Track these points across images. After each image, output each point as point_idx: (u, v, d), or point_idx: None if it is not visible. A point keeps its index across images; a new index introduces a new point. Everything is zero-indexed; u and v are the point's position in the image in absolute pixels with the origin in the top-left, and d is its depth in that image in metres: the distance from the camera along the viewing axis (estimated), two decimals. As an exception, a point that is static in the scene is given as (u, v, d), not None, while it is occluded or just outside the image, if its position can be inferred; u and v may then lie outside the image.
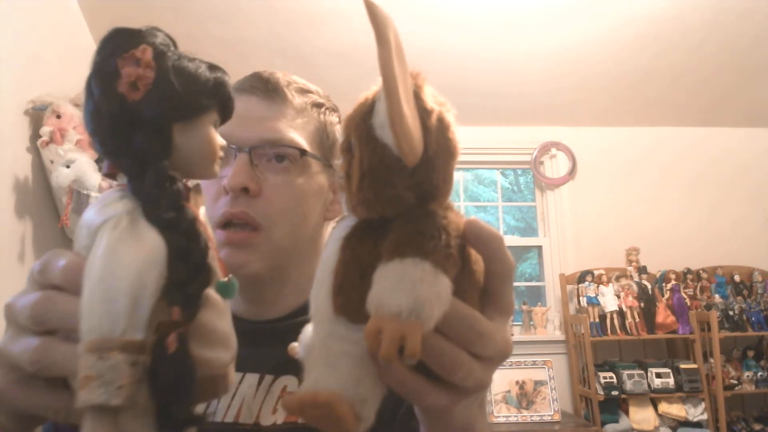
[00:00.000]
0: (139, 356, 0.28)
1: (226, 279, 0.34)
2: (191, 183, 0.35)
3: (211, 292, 0.32)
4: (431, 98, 0.32)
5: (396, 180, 0.30)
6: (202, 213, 0.35)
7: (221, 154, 0.35)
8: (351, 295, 0.31)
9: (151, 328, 0.29)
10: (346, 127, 0.33)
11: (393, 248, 0.30)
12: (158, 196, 0.31)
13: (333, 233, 0.34)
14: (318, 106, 0.73)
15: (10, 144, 1.86)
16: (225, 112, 0.35)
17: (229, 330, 0.34)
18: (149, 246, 0.30)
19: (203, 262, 0.31)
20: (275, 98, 0.69)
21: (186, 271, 0.30)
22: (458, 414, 0.37)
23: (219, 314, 0.33)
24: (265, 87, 0.69)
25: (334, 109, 0.77)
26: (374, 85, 0.32)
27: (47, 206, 2.08)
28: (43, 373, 0.31)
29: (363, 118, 0.31)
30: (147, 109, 0.31)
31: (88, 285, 0.29)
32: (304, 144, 0.69)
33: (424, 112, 0.30)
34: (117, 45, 0.32)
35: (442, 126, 0.32)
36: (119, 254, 0.29)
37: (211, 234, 0.35)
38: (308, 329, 0.37)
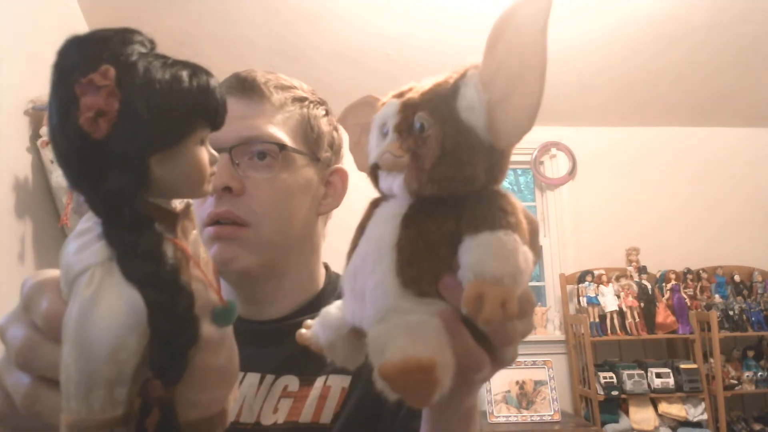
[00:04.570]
0: (121, 429, 0.26)
1: (222, 305, 0.31)
2: (180, 203, 0.32)
3: (203, 328, 0.30)
4: None
5: (477, 160, 0.32)
6: (193, 237, 0.32)
7: (213, 170, 0.31)
8: (421, 268, 0.32)
9: (134, 390, 0.27)
10: (408, 108, 0.33)
11: (479, 221, 0.31)
12: (133, 244, 0.27)
13: (379, 213, 0.35)
14: (300, 100, 0.72)
15: (10, 144, 1.86)
16: (215, 122, 0.30)
17: (227, 361, 0.32)
18: (126, 307, 0.26)
19: (188, 317, 0.28)
20: (252, 96, 0.69)
21: (168, 329, 0.27)
22: (470, 397, 0.39)
23: (213, 350, 0.30)
24: (242, 86, 0.69)
25: (320, 103, 0.76)
26: (451, 70, 0.34)
27: (47, 206, 2.08)
28: (36, 418, 0.30)
29: (445, 99, 0.32)
30: (115, 147, 0.26)
31: (65, 347, 0.27)
32: (285, 139, 0.68)
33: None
34: (75, 63, 0.27)
35: None
36: (93, 320, 0.26)
37: (206, 255, 0.33)
38: (329, 310, 0.38)
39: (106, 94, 0.26)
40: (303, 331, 0.39)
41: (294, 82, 0.74)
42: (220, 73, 0.79)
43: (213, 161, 0.31)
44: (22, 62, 1.88)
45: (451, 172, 0.32)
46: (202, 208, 0.67)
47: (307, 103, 0.73)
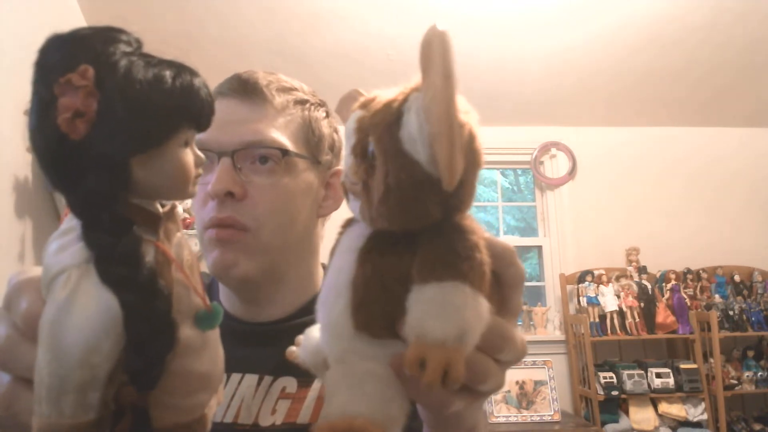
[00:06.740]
0: None
1: (206, 309, 0.30)
2: (165, 205, 0.31)
3: (184, 332, 0.29)
4: (462, 109, 0.30)
5: (425, 196, 0.29)
6: (177, 239, 0.31)
7: (199, 172, 0.30)
8: (373, 312, 0.30)
9: (109, 395, 0.26)
10: (362, 130, 0.31)
11: (428, 270, 0.28)
12: (111, 247, 0.26)
13: (343, 241, 0.33)
14: (301, 102, 0.72)
15: (10, 144, 1.86)
16: (200, 122, 0.29)
17: (209, 366, 0.31)
18: (100, 311, 0.26)
19: (165, 322, 0.27)
20: (255, 99, 0.68)
21: (144, 334, 0.26)
22: (468, 416, 0.38)
23: (194, 354, 0.30)
24: (244, 88, 0.68)
25: (321, 104, 0.75)
26: (394, 88, 0.31)
27: (47, 206, 2.08)
28: (13, 418, 0.30)
29: (388, 127, 0.29)
30: (93, 148, 0.26)
31: (39, 350, 0.26)
32: (287, 143, 0.68)
33: (458, 128, 0.29)
34: (54, 62, 0.26)
35: (470, 138, 0.30)
36: (67, 323, 0.26)
37: (191, 257, 0.32)
38: (312, 332, 0.37)
39: (84, 95, 0.25)
40: (293, 348, 0.39)
41: (295, 84, 0.74)
42: (219, 73, 0.79)
43: (199, 163, 0.31)
44: (21, 62, 1.88)
45: (398, 209, 0.29)
46: (203, 211, 0.67)
47: (308, 105, 0.73)
